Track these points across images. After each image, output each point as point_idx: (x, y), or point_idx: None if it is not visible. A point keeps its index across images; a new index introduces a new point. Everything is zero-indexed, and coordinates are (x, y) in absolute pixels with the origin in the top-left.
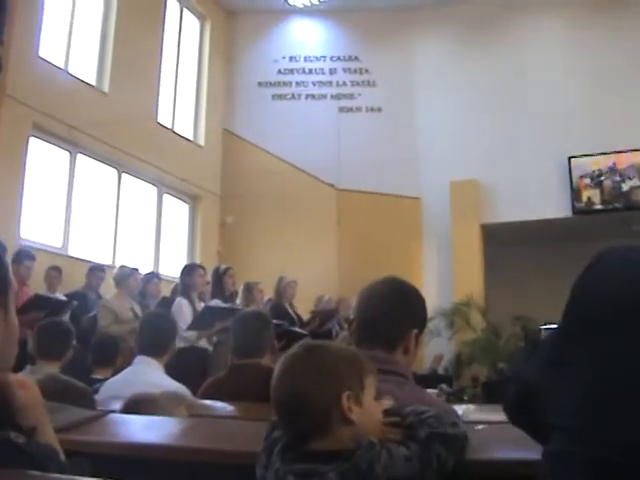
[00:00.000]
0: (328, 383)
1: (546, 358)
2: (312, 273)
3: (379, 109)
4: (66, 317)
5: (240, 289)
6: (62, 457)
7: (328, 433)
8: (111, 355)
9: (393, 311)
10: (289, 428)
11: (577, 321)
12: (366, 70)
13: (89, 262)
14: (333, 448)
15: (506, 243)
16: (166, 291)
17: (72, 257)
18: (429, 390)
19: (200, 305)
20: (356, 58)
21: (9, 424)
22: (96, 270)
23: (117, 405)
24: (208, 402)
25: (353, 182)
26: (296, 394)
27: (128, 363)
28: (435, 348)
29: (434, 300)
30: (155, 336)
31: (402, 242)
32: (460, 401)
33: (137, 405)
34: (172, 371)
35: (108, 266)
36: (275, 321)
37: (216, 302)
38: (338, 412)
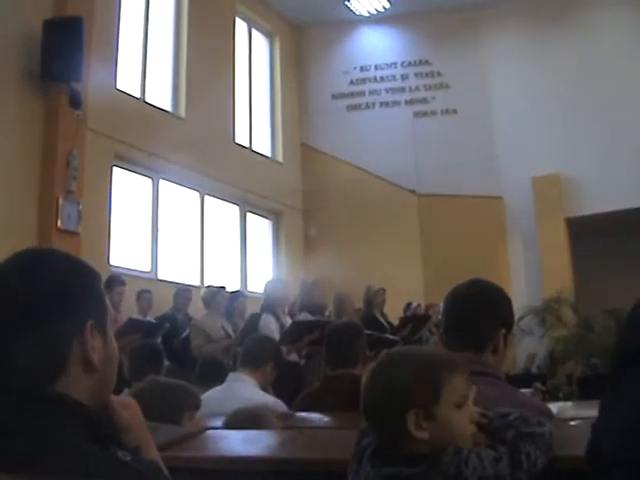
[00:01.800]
0: (392, 401)
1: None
2: (397, 281)
3: (454, 111)
4: (159, 339)
5: (331, 300)
6: (166, 473)
7: (406, 442)
8: (216, 375)
9: (479, 312)
10: (374, 435)
11: None
12: (438, 73)
13: (178, 284)
14: (418, 452)
15: (593, 235)
16: (255, 307)
17: (161, 280)
18: (523, 390)
19: (287, 320)
20: (427, 62)
21: (116, 443)
22: (182, 292)
23: (214, 422)
24: (304, 414)
25: (433, 186)
26: (369, 408)
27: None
28: (527, 347)
29: (523, 298)
30: (251, 353)
31: (486, 243)
32: (555, 399)
33: (238, 420)
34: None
35: (196, 287)
36: (367, 331)
37: (304, 315)
38: (406, 429)
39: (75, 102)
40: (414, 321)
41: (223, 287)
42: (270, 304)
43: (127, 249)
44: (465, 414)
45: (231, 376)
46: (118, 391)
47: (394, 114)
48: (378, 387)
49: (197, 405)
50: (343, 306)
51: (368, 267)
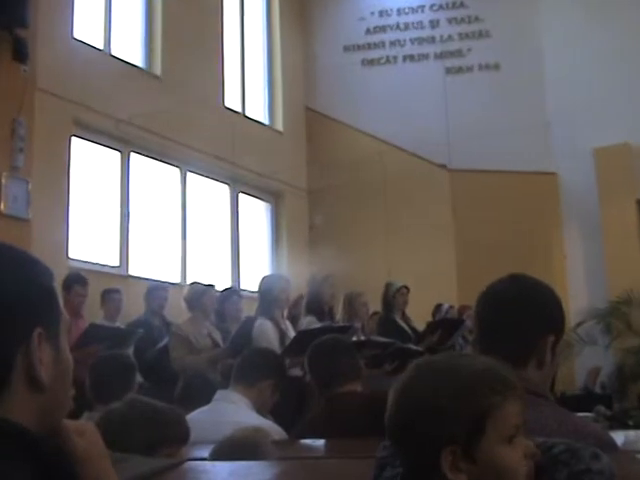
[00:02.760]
0: (420, 436)
1: None
2: (424, 278)
3: (496, 66)
4: (130, 350)
5: (340, 301)
6: None
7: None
8: (202, 394)
9: (520, 316)
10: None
11: None
12: (476, 18)
13: (153, 282)
14: None
15: None
16: (251, 310)
17: (133, 277)
18: (581, 414)
19: (287, 325)
20: (462, 4)
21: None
22: (156, 290)
23: (196, 451)
24: (306, 441)
25: (468, 160)
26: (394, 436)
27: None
28: (589, 360)
29: (583, 299)
30: (246, 367)
31: (536, 230)
32: (624, 426)
33: (229, 450)
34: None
35: (177, 285)
36: (383, 339)
37: (309, 320)
38: (440, 468)
39: (20, 55)
40: (444, 326)
41: (211, 285)
42: (267, 306)
43: (90, 239)
44: (518, 449)
45: (219, 395)
46: (75, 415)
47: (421, 70)
48: (402, 413)
49: (184, 437)
50: (354, 309)
51: (388, 261)
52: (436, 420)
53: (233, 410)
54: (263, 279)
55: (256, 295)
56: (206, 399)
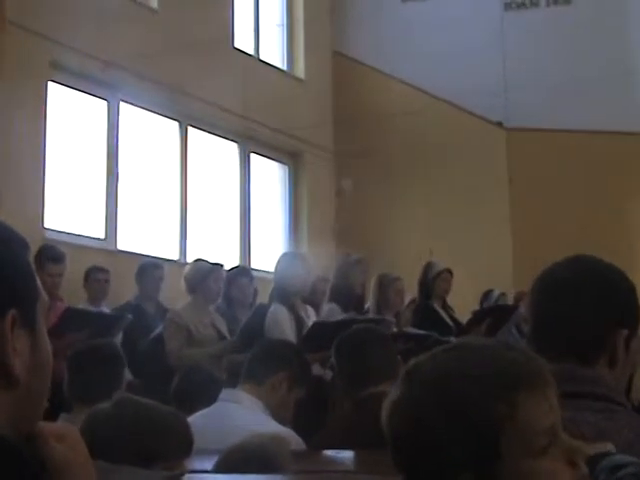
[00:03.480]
0: (423, 453)
1: None
2: (472, 258)
3: (567, 0)
4: (117, 340)
5: (370, 286)
6: None
7: None
8: (202, 394)
9: (586, 305)
10: None
11: None
12: None
13: (146, 258)
14: None
15: None
16: (264, 295)
17: (122, 252)
18: None
19: (309, 312)
20: None
21: None
22: (150, 268)
23: (197, 462)
24: (328, 452)
25: (529, 117)
26: (396, 467)
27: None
28: None
29: None
30: (255, 361)
31: (614, 202)
32: None
33: (238, 461)
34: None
35: (176, 262)
36: (420, 332)
37: (332, 309)
38: None
39: None
40: (494, 314)
41: (219, 264)
42: (282, 290)
43: (71, 206)
44: (557, 458)
45: (224, 394)
46: (50, 417)
47: (472, 5)
48: (393, 443)
49: (187, 449)
50: (386, 296)
51: (428, 237)
52: (432, 450)
53: (241, 413)
54: (280, 259)
55: (270, 277)
56: (207, 399)
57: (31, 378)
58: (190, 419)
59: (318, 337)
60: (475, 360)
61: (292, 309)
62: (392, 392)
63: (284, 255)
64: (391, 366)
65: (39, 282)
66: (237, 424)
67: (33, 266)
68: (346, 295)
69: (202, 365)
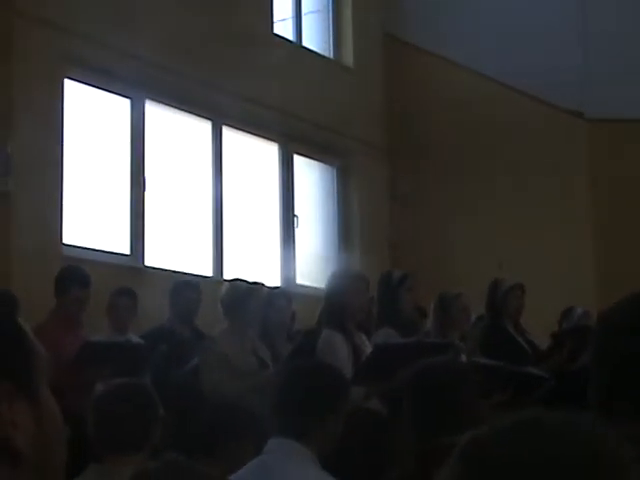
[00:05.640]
0: None
1: None
2: (548, 271)
3: None
4: (147, 376)
5: (431, 306)
6: None
7: None
8: (231, 436)
9: None
10: None
11: None
12: None
13: (177, 275)
14: None
15: None
16: (309, 317)
17: (150, 269)
18: None
19: (363, 340)
20: None
21: None
22: (185, 288)
23: None
24: None
25: (613, 106)
26: None
27: (255, 448)
28: None
29: None
30: (292, 401)
31: None
32: None
33: None
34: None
35: (210, 279)
36: (488, 361)
37: (387, 332)
38: None
39: None
40: (576, 336)
41: (260, 283)
42: (335, 313)
43: (92, 219)
44: None
45: (272, 444)
46: (77, 466)
47: None
48: None
49: None
50: (449, 314)
51: (497, 248)
52: None
53: (295, 468)
54: (331, 277)
55: (317, 295)
56: (237, 440)
57: (39, 450)
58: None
59: (381, 364)
60: (559, 446)
61: (347, 335)
62: (444, 473)
63: (337, 273)
64: (472, 412)
65: (55, 311)
66: None
67: (52, 289)
68: (395, 318)
69: (233, 399)
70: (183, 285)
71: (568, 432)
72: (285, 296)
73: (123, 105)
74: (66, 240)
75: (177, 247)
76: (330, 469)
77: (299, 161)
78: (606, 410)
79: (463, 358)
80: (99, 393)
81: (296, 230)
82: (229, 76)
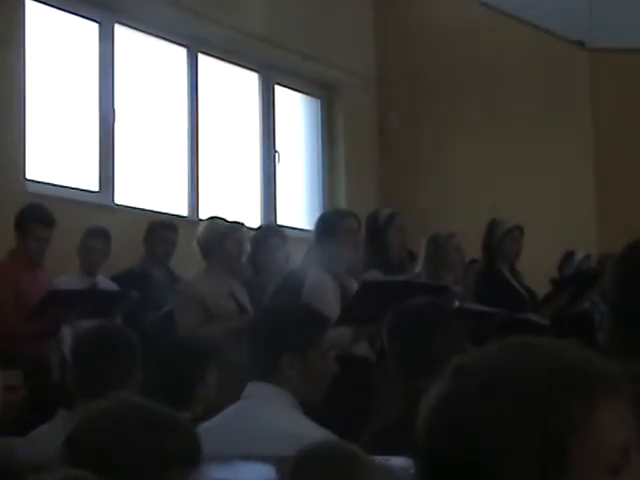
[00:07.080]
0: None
1: None
2: (547, 212)
3: None
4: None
5: (422, 247)
6: None
7: None
8: (196, 374)
9: None
10: None
11: None
12: None
13: (151, 214)
14: None
15: None
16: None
17: (121, 207)
18: None
19: (353, 283)
20: None
21: None
22: (160, 228)
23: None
24: (376, 458)
25: (617, 35)
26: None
27: (232, 394)
28: None
29: None
30: (260, 339)
31: None
32: None
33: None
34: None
35: (184, 219)
36: (482, 308)
37: (375, 275)
38: None
39: None
40: (577, 282)
41: (239, 223)
42: (326, 255)
43: (57, 152)
44: None
45: (250, 388)
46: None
47: None
48: (445, 423)
49: (195, 457)
50: (442, 257)
51: (494, 186)
52: (484, 462)
53: (274, 412)
54: (320, 217)
55: (300, 236)
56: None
57: None
58: (210, 424)
59: (369, 304)
60: (543, 355)
61: (336, 277)
62: (436, 387)
63: (327, 212)
64: (457, 353)
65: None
66: (273, 426)
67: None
68: (382, 260)
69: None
70: (158, 225)
71: (550, 345)
72: (278, 234)
73: (91, 29)
74: (29, 175)
75: (150, 184)
76: (316, 415)
77: (281, 92)
78: (623, 351)
79: (456, 304)
80: (81, 334)
81: (278, 167)
82: (209, 3)
